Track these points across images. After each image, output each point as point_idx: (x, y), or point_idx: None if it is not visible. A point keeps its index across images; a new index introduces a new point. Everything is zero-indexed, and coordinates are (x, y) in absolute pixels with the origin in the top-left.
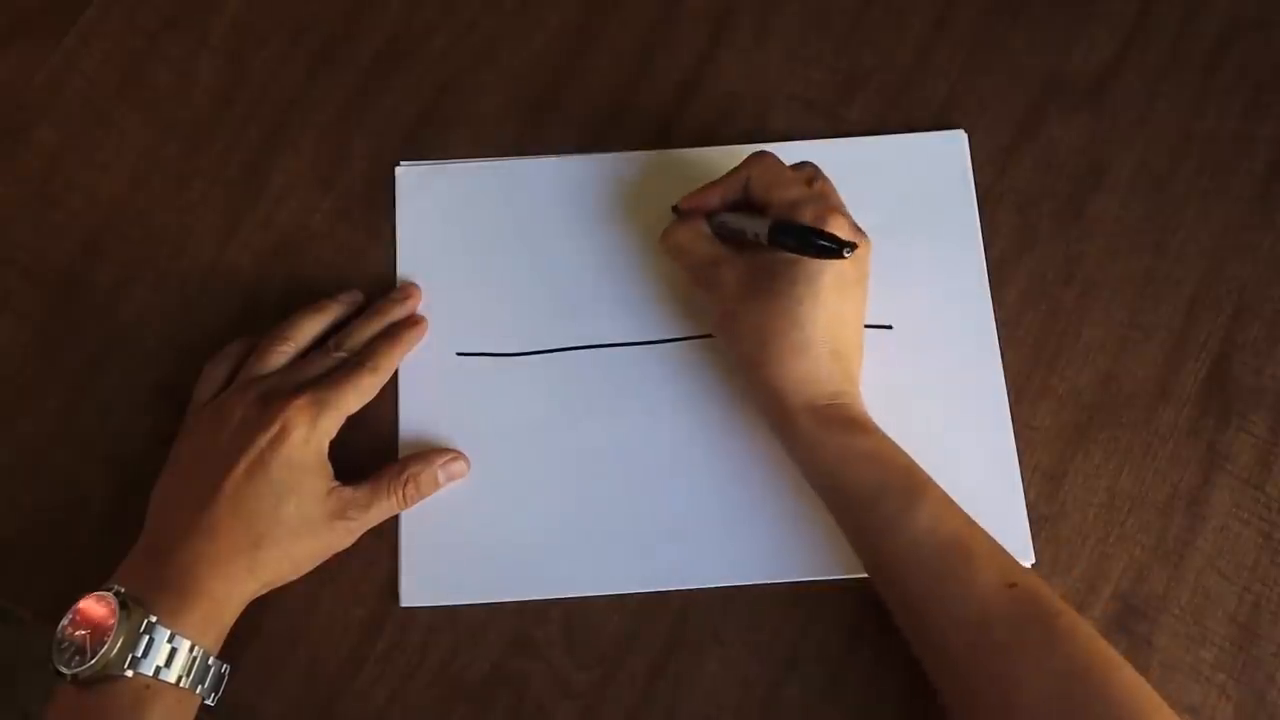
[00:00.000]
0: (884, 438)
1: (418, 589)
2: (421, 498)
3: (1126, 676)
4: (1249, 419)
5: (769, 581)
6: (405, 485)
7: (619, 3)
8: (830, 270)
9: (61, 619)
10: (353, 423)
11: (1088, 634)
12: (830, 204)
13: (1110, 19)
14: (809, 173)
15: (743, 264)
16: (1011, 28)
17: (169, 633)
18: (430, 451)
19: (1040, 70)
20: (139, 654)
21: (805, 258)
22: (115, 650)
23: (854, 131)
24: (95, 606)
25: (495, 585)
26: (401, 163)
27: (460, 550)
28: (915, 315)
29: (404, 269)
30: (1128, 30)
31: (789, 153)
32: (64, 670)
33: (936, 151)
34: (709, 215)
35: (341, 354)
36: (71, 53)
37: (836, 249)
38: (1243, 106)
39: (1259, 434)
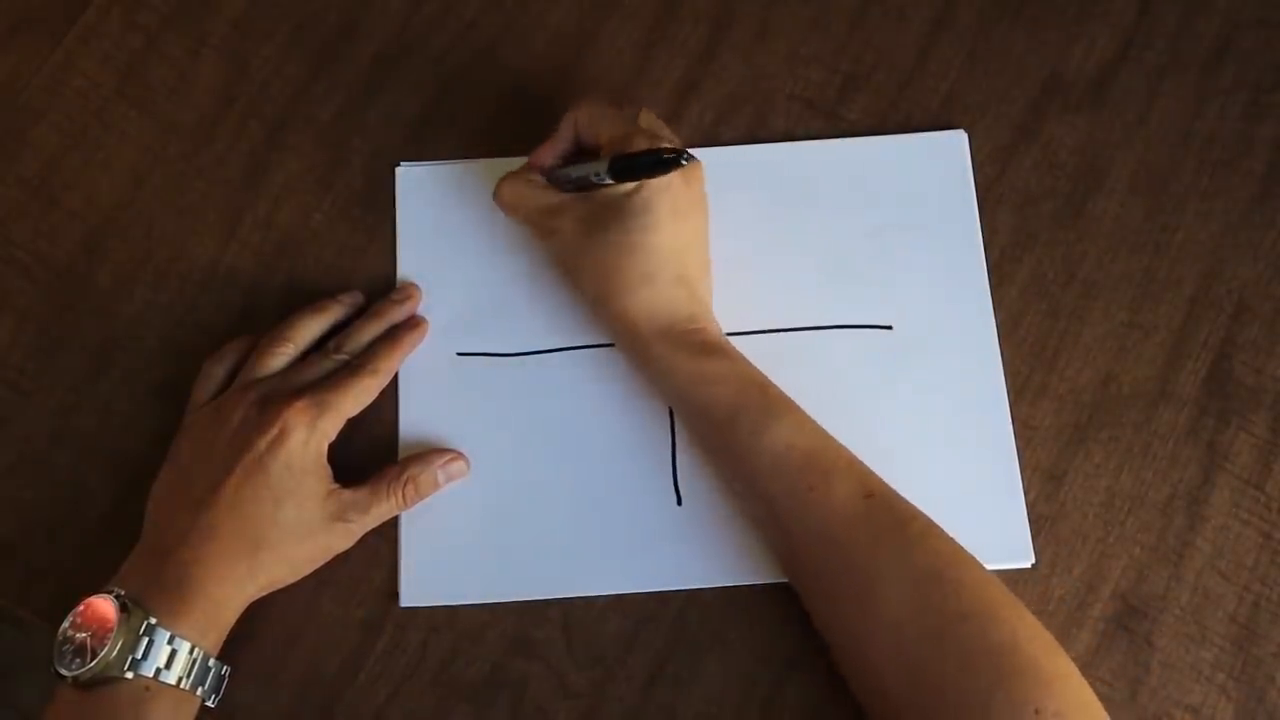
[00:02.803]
0: (740, 359)
1: (418, 589)
2: (421, 499)
3: (977, 574)
4: (1249, 419)
5: (769, 581)
6: (405, 486)
7: (619, 3)
8: (665, 198)
9: (62, 620)
10: (353, 424)
11: (940, 536)
12: (660, 136)
13: (1110, 19)
14: (633, 111)
15: (580, 206)
16: (1011, 28)
17: (169, 634)
18: (430, 452)
19: (1040, 70)
20: (139, 656)
21: (641, 191)
22: (115, 652)
23: (854, 131)
24: (96, 609)
25: (495, 585)
26: (401, 163)
27: (460, 550)
28: (915, 315)
29: (404, 269)
30: (1128, 30)
31: (789, 153)
32: (64, 672)
33: (936, 151)
34: (546, 174)
35: (342, 356)
36: (71, 53)
37: (675, 158)
38: (1243, 106)
39: (1259, 434)
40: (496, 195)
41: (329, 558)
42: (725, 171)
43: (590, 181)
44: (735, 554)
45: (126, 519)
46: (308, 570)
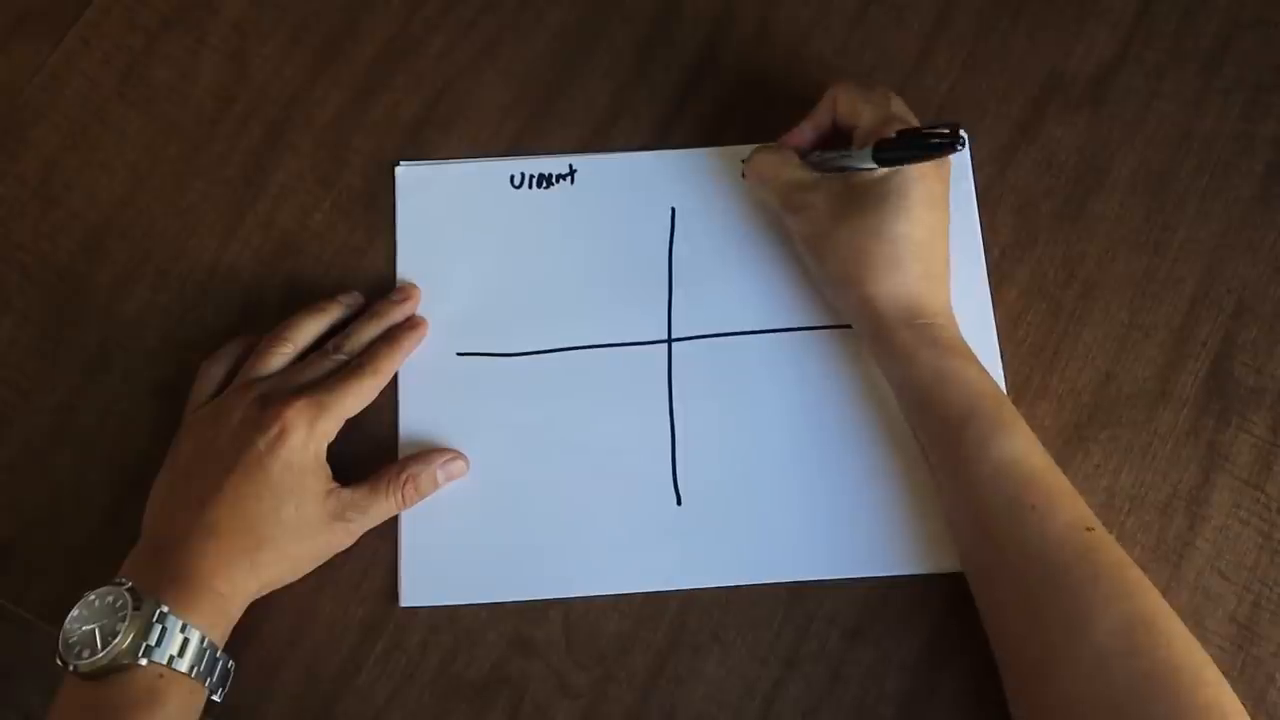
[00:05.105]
0: (979, 365)
1: (418, 589)
2: (421, 498)
3: (1186, 632)
4: (1249, 419)
5: (769, 581)
6: (404, 486)
7: (619, 2)
8: (920, 186)
9: (63, 618)
10: (353, 423)
11: (1155, 590)
12: (912, 123)
13: (1110, 18)
14: (883, 92)
15: (833, 185)
16: (1011, 28)
17: (181, 622)
18: (429, 451)
19: (1040, 70)
20: (152, 643)
21: (896, 177)
22: (128, 641)
23: None
24: (104, 599)
25: (495, 585)
26: (401, 163)
27: (460, 550)
28: None
29: (404, 269)
30: (1128, 30)
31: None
32: (72, 664)
33: None
34: (803, 154)
35: (342, 356)
36: (71, 53)
37: (949, 141)
38: (1243, 106)
39: (1259, 434)
40: (749, 165)
41: (329, 556)
42: (725, 172)
43: (850, 169)
44: (735, 554)
45: (126, 519)
46: (308, 569)
